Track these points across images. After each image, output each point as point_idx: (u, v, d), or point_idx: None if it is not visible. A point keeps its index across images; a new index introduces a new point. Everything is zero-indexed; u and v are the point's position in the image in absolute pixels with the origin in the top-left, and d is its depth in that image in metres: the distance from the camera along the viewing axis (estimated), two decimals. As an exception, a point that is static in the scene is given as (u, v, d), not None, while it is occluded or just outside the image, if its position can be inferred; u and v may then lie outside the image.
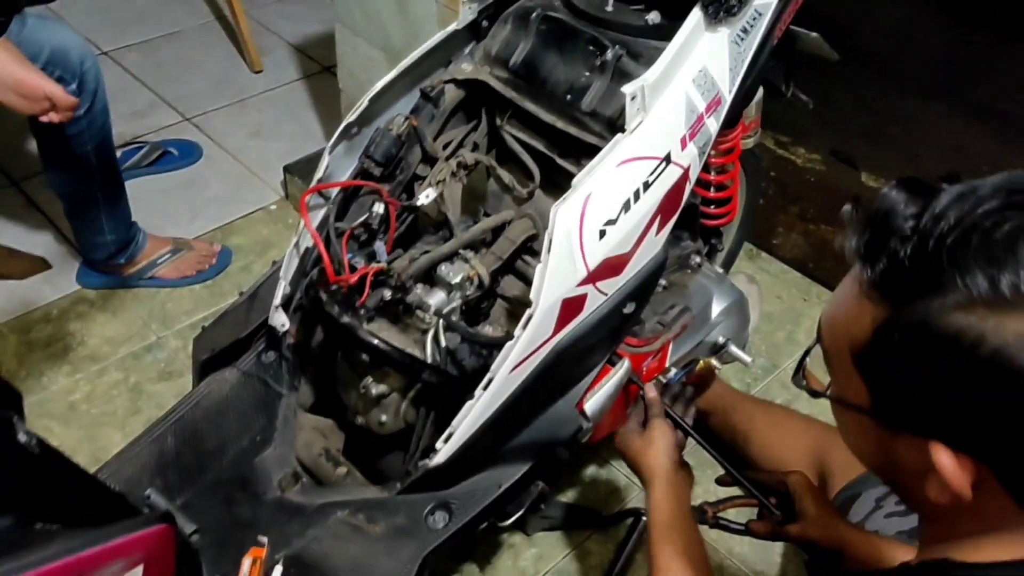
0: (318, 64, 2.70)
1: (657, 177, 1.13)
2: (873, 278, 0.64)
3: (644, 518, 1.51)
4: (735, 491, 1.59)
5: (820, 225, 2.07)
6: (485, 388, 1.10)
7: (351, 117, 1.29)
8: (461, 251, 1.29)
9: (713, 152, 1.41)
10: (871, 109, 1.87)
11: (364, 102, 1.28)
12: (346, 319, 1.17)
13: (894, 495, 0.99)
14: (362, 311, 1.18)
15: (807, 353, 0.79)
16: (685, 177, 1.17)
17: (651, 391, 1.26)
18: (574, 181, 1.09)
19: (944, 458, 0.62)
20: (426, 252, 1.30)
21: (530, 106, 1.27)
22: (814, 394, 0.76)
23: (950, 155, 1.79)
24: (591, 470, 1.62)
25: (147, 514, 0.83)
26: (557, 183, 1.27)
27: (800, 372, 0.80)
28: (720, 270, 1.51)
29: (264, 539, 1.16)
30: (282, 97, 2.59)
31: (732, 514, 1.57)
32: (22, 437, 0.83)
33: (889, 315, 0.63)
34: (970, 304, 0.59)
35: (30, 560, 0.71)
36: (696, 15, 1.15)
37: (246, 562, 1.14)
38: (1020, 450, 0.61)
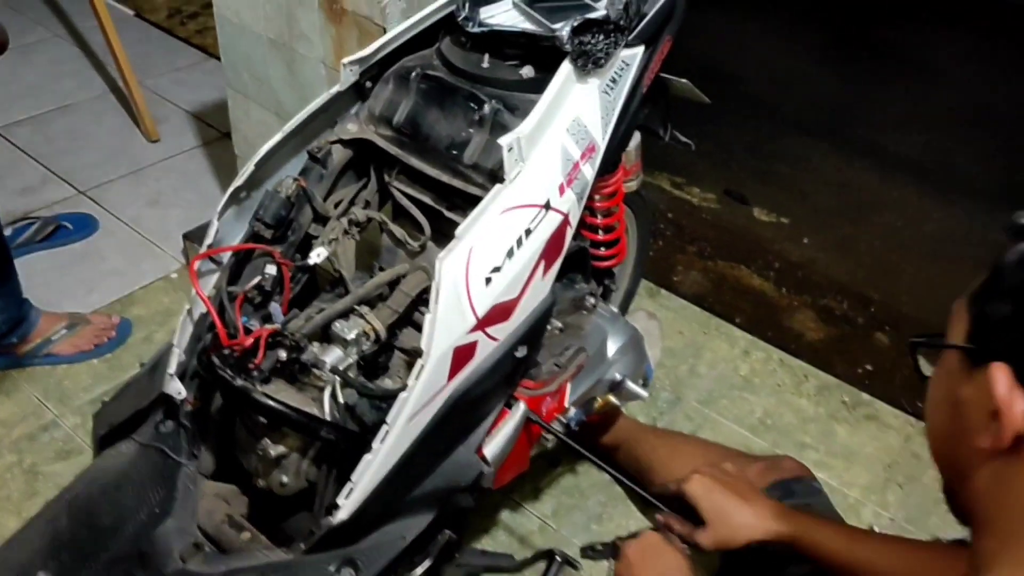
0: (216, 131, 2.70)
1: (538, 224, 1.17)
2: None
3: (558, 559, 1.53)
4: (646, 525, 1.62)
5: (717, 261, 2.16)
6: (383, 441, 1.11)
7: (238, 181, 1.30)
8: (356, 307, 1.30)
9: (597, 197, 1.46)
10: (759, 150, 1.97)
11: (250, 166, 1.29)
12: (239, 382, 1.16)
13: None
14: (255, 373, 1.18)
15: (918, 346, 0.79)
16: (566, 222, 1.21)
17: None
18: (457, 231, 1.12)
19: (1001, 375, 0.63)
20: (322, 310, 1.31)
21: (415, 162, 1.30)
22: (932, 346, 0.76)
23: (835, 191, 1.90)
24: (504, 515, 1.64)
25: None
26: (448, 234, 1.30)
27: (916, 362, 0.79)
28: (615, 309, 1.56)
29: (166, 614, 1.13)
30: (180, 165, 2.57)
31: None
32: None
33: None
34: None
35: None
36: (566, 68, 1.21)
37: (148, 639, 1.11)
38: None
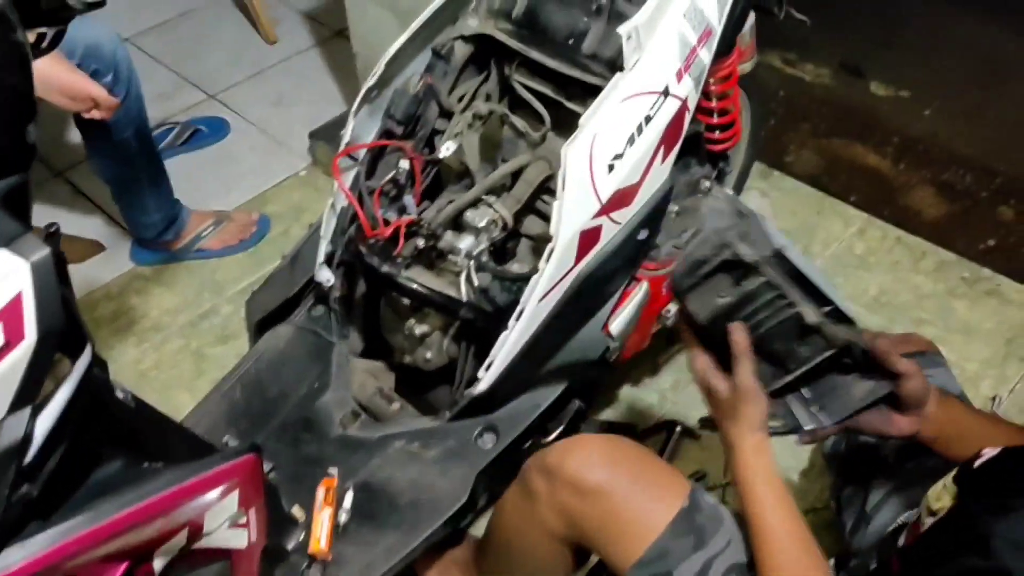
0: (329, 29, 2.77)
1: (657, 110, 1.22)
2: None
3: (678, 429, 1.63)
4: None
5: (831, 139, 2.14)
6: (518, 319, 1.21)
7: (370, 81, 1.38)
8: (484, 197, 1.38)
9: (711, 80, 1.48)
10: (879, 16, 1.89)
11: (380, 66, 1.37)
12: (386, 268, 1.28)
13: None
14: (399, 260, 1.29)
15: None
16: (684, 107, 1.25)
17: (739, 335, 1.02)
18: (580, 121, 1.18)
19: None
20: (452, 201, 1.40)
21: (535, 54, 1.35)
22: None
23: (962, 55, 1.81)
24: (625, 389, 1.74)
25: (239, 446, 0.96)
26: (567, 124, 1.36)
27: None
28: (730, 192, 1.59)
29: (334, 470, 1.29)
30: (298, 65, 2.67)
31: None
32: (119, 394, 0.95)
33: None
34: None
35: (146, 491, 0.84)
36: (682, -47, 1.23)
37: (320, 491, 1.27)
38: None
